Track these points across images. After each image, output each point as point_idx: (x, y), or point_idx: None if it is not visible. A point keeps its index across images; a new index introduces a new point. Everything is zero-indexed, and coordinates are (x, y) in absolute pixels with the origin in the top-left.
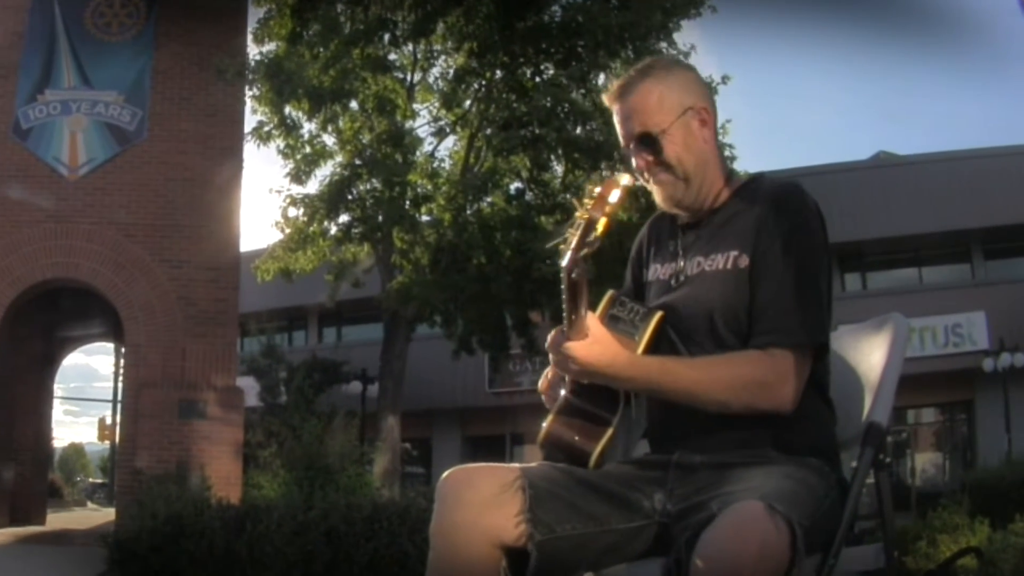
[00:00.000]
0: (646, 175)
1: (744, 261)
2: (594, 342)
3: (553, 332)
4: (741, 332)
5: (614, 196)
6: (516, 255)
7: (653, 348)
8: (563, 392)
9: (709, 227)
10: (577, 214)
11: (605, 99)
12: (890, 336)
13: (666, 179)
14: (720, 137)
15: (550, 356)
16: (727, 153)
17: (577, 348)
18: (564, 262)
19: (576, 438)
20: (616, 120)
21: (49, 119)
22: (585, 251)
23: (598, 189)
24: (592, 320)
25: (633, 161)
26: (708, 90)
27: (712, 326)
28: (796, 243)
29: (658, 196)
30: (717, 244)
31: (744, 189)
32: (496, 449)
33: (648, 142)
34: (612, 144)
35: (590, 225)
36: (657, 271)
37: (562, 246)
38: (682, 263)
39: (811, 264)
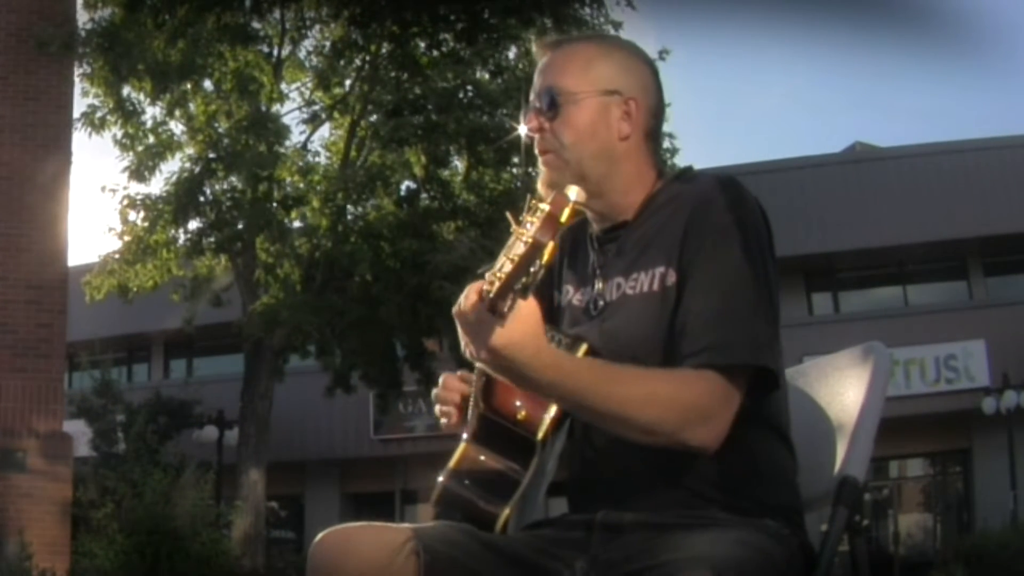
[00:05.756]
0: (536, 144)
1: (672, 277)
2: (519, 321)
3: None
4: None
5: (564, 215)
6: (409, 270)
7: None
8: (464, 437)
9: (630, 239)
10: (513, 230)
11: (535, 51)
12: (868, 370)
13: (551, 160)
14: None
15: (460, 327)
16: (666, 144)
17: (499, 329)
18: (492, 292)
19: (478, 497)
20: (535, 76)
21: None
22: (524, 281)
23: (544, 205)
24: (527, 304)
25: (523, 123)
26: (656, 91)
27: (637, 365)
28: (733, 242)
29: (539, 180)
30: (639, 260)
31: (669, 188)
32: (383, 509)
33: (549, 101)
34: None
35: (536, 250)
36: (570, 294)
37: (491, 274)
38: (600, 285)
39: (753, 267)
